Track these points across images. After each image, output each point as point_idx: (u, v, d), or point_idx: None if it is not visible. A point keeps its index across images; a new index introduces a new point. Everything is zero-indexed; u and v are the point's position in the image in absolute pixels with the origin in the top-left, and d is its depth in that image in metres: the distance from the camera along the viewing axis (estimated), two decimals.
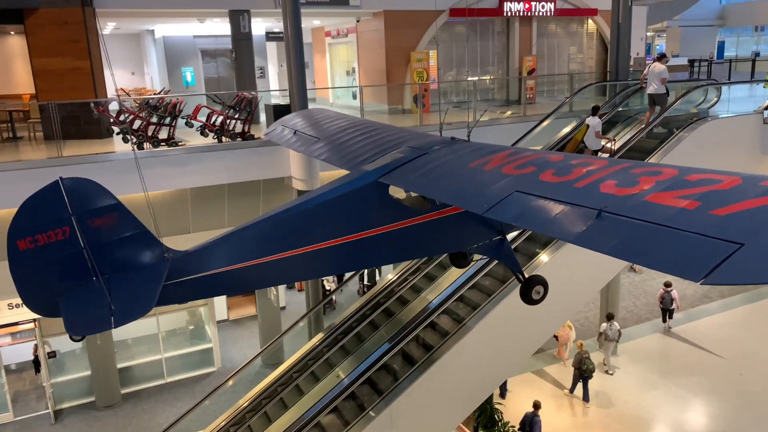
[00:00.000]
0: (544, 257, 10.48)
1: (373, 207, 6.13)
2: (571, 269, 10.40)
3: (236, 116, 12.68)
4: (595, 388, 15.96)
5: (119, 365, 16.53)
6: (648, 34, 26.04)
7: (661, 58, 13.25)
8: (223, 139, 12.59)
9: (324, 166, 12.48)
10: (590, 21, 22.72)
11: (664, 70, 13.08)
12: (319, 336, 12.27)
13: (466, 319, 10.08)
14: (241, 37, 15.96)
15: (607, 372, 16.64)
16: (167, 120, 12.22)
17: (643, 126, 13.09)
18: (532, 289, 6.83)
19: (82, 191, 4.98)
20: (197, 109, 13.76)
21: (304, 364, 11.53)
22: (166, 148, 11.93)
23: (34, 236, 4.78)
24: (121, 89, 15.16)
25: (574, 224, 3.97)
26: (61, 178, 4.92)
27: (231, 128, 12.64)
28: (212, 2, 15.70)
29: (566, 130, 14.26)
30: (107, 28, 17.11)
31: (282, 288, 20.20)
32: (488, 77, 21.09)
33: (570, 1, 21.51)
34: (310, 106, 12.56)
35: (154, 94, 18.12)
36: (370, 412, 9.47)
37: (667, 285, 18.97)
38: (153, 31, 21.74)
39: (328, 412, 9.89)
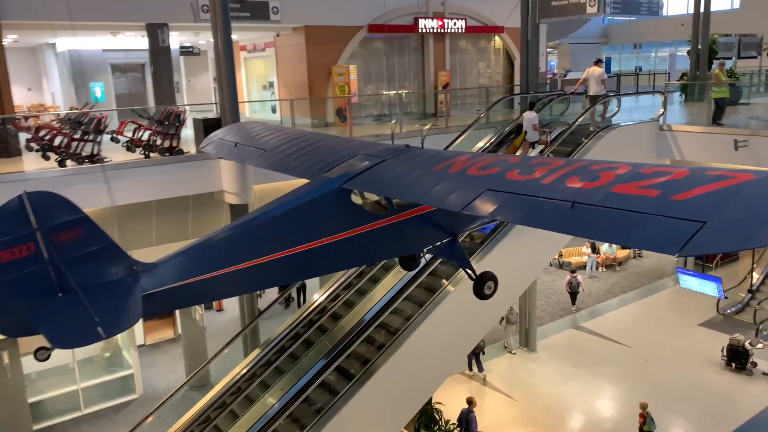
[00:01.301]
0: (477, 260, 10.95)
1: (338, 212, 6.34)
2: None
3: (165, 131, 12.37)
4: (519, 384, 16.94)
5: (30, 399, 15.44)
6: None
7: (599, 62, 14.66)
8: (151, 154, 12.25)
9: (258, 179, 12.56)
10: (497, 38, 24.10)
11: (603, 72, 14.43)
12: (256, 352, 12.12)
13: (401, 329, 10.39)
14: (160, 51, 15.58)
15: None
16: (91, 136, 11.72)
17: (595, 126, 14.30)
18: (484, 285, 7.23)
19: (46, 205, 4.82)
20: (123, 124, 13.29)
21: (250, 377, 11.35)
22: (90, 165, 11.44)
23: None
24: (41, 105, 14.27)
25: (550, 215, 4.43)
26: (25, 192, 4.76)
27: (159, 143, 12.32)
28: (129, 16, 15.23)
29: (480, 144, 14.98)
30: (6, 40, 16.05)
31: (202, 308, 19.69)
32: (404, 91, 21.78)
33: (479, 19, 22.72)
34: None
35: (75, 109, 17.16)
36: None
37: (573, 271, 21.56)
38: (54, 44, 20.63)
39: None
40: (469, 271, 7.34)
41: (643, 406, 13.81)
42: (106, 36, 18.49)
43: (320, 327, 11.82)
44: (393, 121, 10.13)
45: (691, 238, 3.55)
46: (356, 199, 6.68)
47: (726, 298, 19.38)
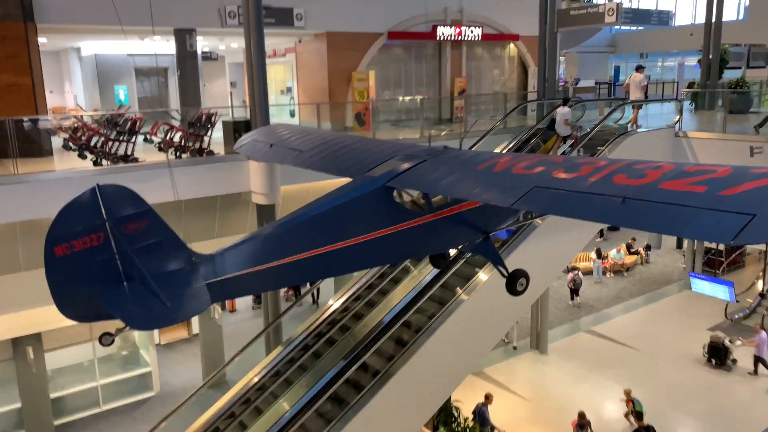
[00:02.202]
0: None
1: (382, 209, 6.61)
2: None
3: (198, 132, 12.73)
4: (531, 385, 17.27)
5: (52, 395, 15.71)
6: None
7: (640, 68, 15.23)
8: (182, 155, 12.59)
9: (284, 180, 12.90)
10: (512, 46, 24.52)
11: (644, 78, 15.14)
12: (278, 350, 12.38)
13: (428, 324, 10.67)
14: (187, 56, 15.96)
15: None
16: (126, 136, 12.07)
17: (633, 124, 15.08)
18: (516, 282, 7.49)
19: (116, 197, 5.11)
20: (156, 125, 13.65)
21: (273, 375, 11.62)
22: (124, 164, 11.78)
23: (70, 242, 4.86)
24: (77, 107, 14.63)
25: (602, 209, 4.72)
26: (98, 185, 5.06)
27: (191, 144, 12.66)
28: (158, 20, 15.55)
29: (497, 150, 15.32)
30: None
31: (219, 307, 19.94)
32: (421, 97, 22.13)
33: (495, 27, 23.13)
34: None
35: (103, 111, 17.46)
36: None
37: (574, 269, 22.41)
38: (79, 48, 21.01)
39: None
40: (501, 269, 7.60)
41: (628, 393, 14.84)
42: (131, 40, 18.87)
43: (343, 327, 12.08)
44: (429, 126, 10.40)
45: (743, 228, 3.90)
46: (396, 197, 6.98)
47: (737, 302, 19.74)
